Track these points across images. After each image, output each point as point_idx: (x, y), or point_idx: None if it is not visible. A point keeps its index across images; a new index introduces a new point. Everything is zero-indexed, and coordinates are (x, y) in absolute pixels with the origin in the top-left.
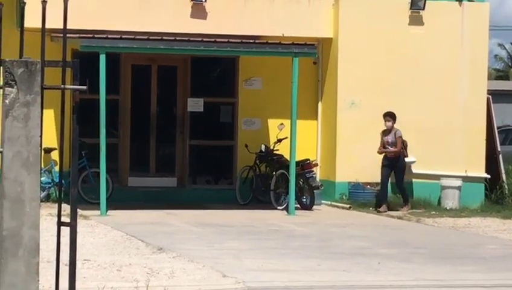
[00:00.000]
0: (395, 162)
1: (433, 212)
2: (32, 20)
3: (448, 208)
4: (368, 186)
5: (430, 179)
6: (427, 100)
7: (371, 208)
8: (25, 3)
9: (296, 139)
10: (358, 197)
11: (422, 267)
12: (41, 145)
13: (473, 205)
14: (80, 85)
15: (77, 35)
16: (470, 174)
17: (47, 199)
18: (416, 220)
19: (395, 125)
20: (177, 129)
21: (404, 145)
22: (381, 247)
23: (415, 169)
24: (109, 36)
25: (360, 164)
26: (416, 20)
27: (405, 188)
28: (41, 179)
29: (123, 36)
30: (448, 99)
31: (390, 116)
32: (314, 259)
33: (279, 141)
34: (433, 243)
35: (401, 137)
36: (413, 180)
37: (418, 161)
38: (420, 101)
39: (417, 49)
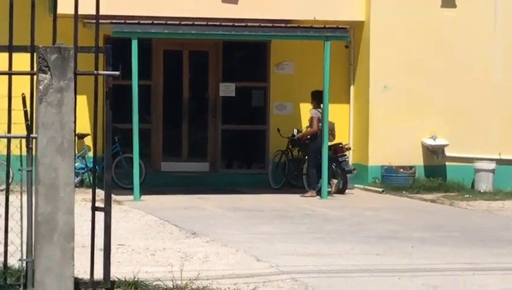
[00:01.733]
0: (311, 143)
1: (467, 195)
2: (64, 7)
3: (482, 191)
4: (401, 169)
5: (464, 162)
6: (460, 83)
7: (404, 192)
8: None
9: (328, 123)
10: (391, 180)
11: (456, 251)
12: (75, 131)
13: (507, 187)
14: (112, 71)
15: (109, 21)
16: (503, 156)
17: (81, 184)
18: (449, 203)
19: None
20: (209, 114)
21: (330, 128)
22: (414, 230)
23: (448, 152)
24: (141, 22)
25: (393, 147)
26: (448, 2)
27: (313, 173)
28: (75, 164)
29: (155, 22)
30: (482, 82)
31: (312, 95)
32: (348, 243)
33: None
34: (467, 226)
35: (316, 118)
36: (447, 163)
37: (451, 144)
38: (453, 84)
39: (450, 31)
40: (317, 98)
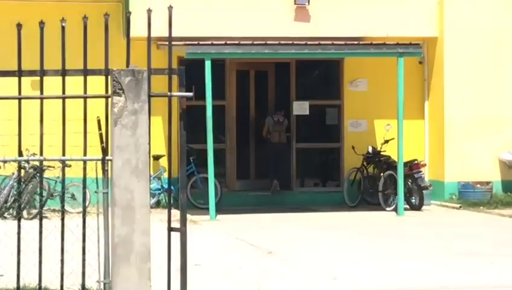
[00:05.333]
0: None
1: None
2: (138, 30)
3: None
4: (478, 185)
5: None
6: None
7: (481, 207)
8: (130, 12)
9: (403, 139)
10: (469, 196)
11: None
12: (149, 153)
13: None
14: (186, 92)
15: (182, 42)
16: None
17: (157, 205)
18: None
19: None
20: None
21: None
22: (495, 246)
23: None
24: (214, 42)
25: (469, 162)
26: None
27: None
28: (151, 185)
29: (227, 42)
30: None
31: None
32: (428, 260)
33: (386, 141)
34: None
35: (264, 124)
36: None
37: None
38: None
39: None
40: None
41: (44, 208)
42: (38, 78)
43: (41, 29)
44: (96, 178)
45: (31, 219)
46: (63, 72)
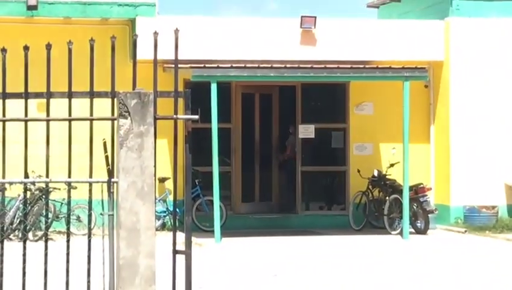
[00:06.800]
0: None
1: None
2: (144, 52)
3: None
4: (484, 209)
5: None
6: None
7: (487, 232)
8: (136, 35)
9: (408, 163)
10: (474, 220)
11: None
12: (155, 175)
13: None
14: (191, 114)
15: (188, 65)
16: None
17: (162, 227)
18: None
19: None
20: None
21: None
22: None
23: None
24: (220, 65)
25: (475, 187)
26: None
27: None
28: (157, 208)
29: (233, 65)
30: None
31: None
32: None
33: (392, 165)
34: None
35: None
36: None
37: None
38: None
39: None
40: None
41: (49, 230)
42: (44, 100)
43: (48, 51)
44: (102, 200)
45: (37, 240)
46: (70, 95)
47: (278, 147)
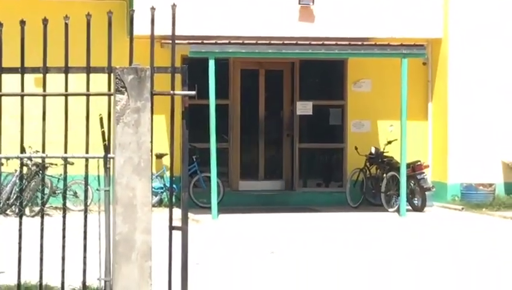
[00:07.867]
0: None
1: None
2: (141, 27)
3: None
4: (481, 187)
5: None
6: None
7: (483, 209)
8: (133, 10)
9: (406, 140)
10: (471, 198)
11: None
12: (152, 151)
13: None
14: (188, 90)
15: (186, 41)
16: None
17: (159, 203)
18: None
19: None
20: (284, 133)
21: None
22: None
23: None
24: (218, 42)
25: (472, 164)
26: None
27: None
28: (154, 184)
29: (231, 41)
30: None
31: None
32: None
33: (389, 142)
34: None
35: None
36: None
37: None
38: None
39: None
40: None
41: (46, 206)
42: (41, 75)
43: (45, 26)
44: (98, 176)
45: (33, 216)
46: (66, 70)
47: (287, 124)
